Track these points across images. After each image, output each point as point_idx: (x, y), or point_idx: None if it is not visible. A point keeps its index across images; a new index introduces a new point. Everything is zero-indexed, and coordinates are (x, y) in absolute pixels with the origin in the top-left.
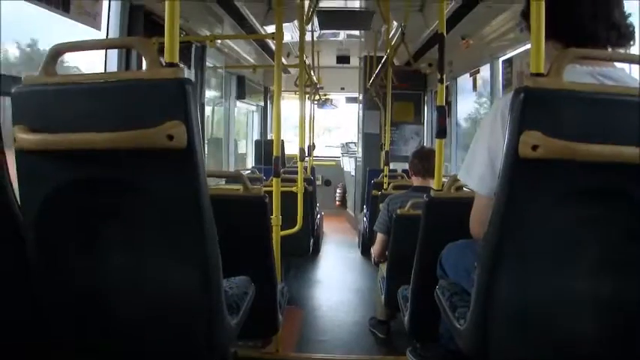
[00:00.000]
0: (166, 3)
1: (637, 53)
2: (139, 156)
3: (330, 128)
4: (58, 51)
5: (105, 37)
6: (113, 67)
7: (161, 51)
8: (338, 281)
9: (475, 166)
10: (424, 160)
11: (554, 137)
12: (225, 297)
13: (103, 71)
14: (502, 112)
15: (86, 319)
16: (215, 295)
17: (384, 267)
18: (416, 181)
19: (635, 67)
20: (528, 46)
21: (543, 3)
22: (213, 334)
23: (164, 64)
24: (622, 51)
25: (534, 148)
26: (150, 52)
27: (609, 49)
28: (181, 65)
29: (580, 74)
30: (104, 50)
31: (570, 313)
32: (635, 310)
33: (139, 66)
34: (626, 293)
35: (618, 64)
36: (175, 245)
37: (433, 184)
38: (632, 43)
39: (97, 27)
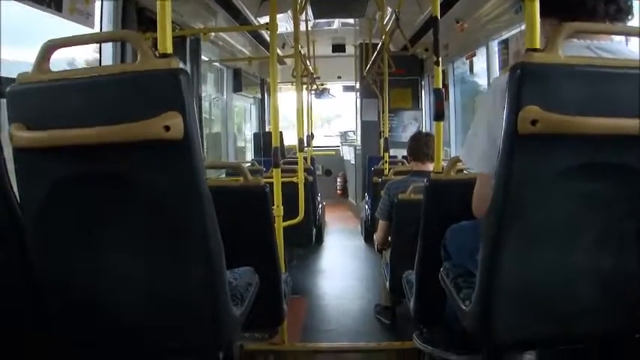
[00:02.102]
0: None
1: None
2: (136, 149)
3: (330, 118)
4: (51, 47)
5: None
6: (108, 61)
7: (155, 46)
8: (342, 269)
9: (476, 146)
10: (422, 144)
11: (553, 112)
12: (229, 288)
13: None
14: (501, 90)
15: (89, 314)
16: (219, 287)
17: (387, 253)
18: (415, 165)
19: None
20: (524, 26)
21: None
22: (218, 327)
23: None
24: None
25: (533, 123)
26: (142, 45)
27: (607, 23)
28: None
29: (578, 48)
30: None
31: (574, 290)
32: (638, 287)
33: (134, 60)
34: (630, 267)
35: (616, 37)
36: (177, 238)
37: (432, 167)
38: (630, 17)
39: (90, 25)
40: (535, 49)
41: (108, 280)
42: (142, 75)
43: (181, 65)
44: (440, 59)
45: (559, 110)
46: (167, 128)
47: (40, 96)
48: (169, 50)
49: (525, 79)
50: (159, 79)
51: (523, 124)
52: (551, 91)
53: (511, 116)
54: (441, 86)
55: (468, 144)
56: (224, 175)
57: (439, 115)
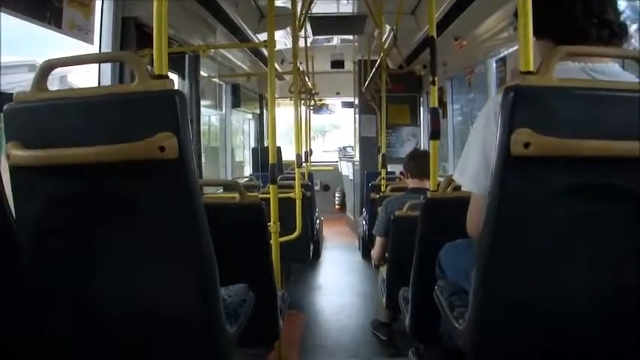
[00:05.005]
0: (154, 16)
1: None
2: (131, 169)
3: (325, 130)
4: (50, 66)
5: (98, 51)
6: (107, 80)
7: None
8: (339, 285)
9: (469, 166)
10: (422, 162)
11: (546, 134)
12: (223, 305)
13: (97, 85)
14: (494, 111)
15: (84, 332)
16: (212, 304)
17: (384, 269)
18: (412, 182)
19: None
20: None
21: (530, 1)
22: (211, 344)
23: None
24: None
25: (526, 145)
26: (139, 66)
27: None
28: (173, 75)
29: (572, 71)
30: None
31: (568, 310)
32: (633, 304)
33: (133, 78)
34: (624, 288)
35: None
36: (171, 256)
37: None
38: (624, 41)
39: (90, 41)
40: (528, 72)
41: (102, 296)
42: (137, 96)
43: (180, 82)
44: (436, 79)
45: (552, 133)
46: (162, 149)
47: (38, 115)
48: (165, 71)
49: (518, 102)
50: (154, 100)
51: (516, 147)
52: (544, 114)
53: (504, 138)
54: (437, 105)
55: (462, 163)
56: (221, 190)
57: (435, 133)
